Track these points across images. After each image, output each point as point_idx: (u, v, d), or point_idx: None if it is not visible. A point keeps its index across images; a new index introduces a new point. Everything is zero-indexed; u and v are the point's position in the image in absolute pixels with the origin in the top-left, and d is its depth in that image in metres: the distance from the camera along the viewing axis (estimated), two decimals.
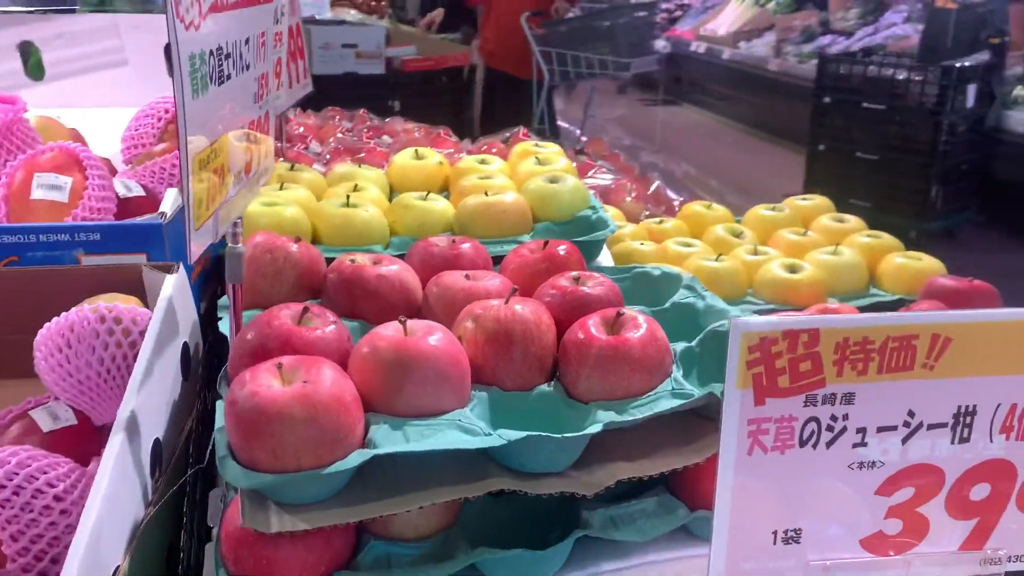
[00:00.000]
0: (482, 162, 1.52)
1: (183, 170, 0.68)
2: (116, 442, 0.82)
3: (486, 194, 1.33)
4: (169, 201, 1.11)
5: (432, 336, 0.85)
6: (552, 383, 0.93)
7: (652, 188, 2.37)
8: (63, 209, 1.10)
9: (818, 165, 4.97)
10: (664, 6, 8.50)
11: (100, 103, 1.55)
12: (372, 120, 2.60)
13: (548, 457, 0.82)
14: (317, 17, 4.97)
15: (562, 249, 1.12)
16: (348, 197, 1.31)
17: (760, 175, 5.98)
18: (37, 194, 1.09)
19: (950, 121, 4.40)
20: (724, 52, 7.18)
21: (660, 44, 7.69)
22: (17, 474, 0.84)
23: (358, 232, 1.28)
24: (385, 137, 2.33)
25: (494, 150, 2.28)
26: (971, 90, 4.44)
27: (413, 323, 0.87)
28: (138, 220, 1.07)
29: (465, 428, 0.81)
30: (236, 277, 0.87)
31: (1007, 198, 4.67)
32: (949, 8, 4.56)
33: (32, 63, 1.54)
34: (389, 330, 0.87)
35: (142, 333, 0.98)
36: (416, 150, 1.56)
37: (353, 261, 1.05)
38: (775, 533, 0.73)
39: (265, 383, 0.76)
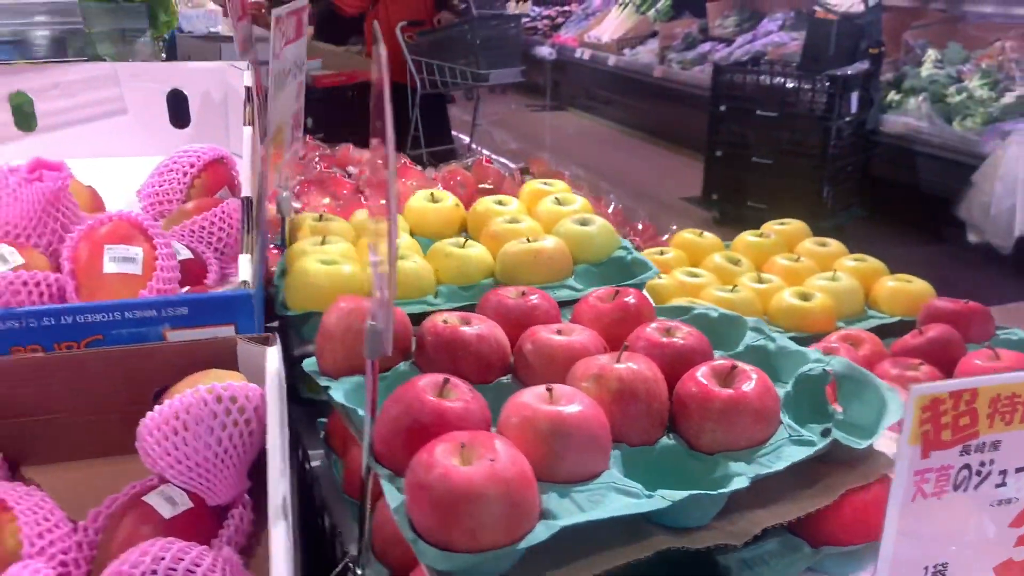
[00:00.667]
0: (499, 203, 1.55)
1: (390, 255, 0.70)
2: (280, 532, 0.82)
3: (528, 240, 1.36)
4: (246, 268, 1.09)
5: (578, 402, 0.89)
6: (671, 435, 0.98)
7: (611, 208, 2.45)
8: (137, 281, 1.06)
9: (716, 170, 5.20)
10: (545, 13, 8.66)
11: (99, 153, 1.49)
12: (322, 148, 2.57)
13: (701, 512, 0.87)
14: (211, 31, 4.85)
15: (632, 298, 1.16)
16: None
17: (650, 178, 6.19)
18: (110, 268, 1.05)
19: (837, 126, 4.72)
20: (609, 59, 7.39)
21: (546, 51, 7.84)
22: (175, 569, 0.83)
23: (410, 283, 1.29)
24: (350, 167, 2.31)
25: (459, 177, 2.30)
26: (854, 97, 4.76)
27: (557, 389, 0.90)
28: (226, 292, 1.05)
29: (623, 490, 0.85)
30: (376, 352, 0.87)
31: (885, 194, 5.07)
32: (830, 19, 4.86)
33: (22, 113, 1.46)
34: (530, 397, 0.90)
35: (256, 410, 0.97)
36: (432, 193, 1.57)
37: (446, 322, 1.07)
38: (926, 568, 0.81)
39: (450, 463, 0.78)
